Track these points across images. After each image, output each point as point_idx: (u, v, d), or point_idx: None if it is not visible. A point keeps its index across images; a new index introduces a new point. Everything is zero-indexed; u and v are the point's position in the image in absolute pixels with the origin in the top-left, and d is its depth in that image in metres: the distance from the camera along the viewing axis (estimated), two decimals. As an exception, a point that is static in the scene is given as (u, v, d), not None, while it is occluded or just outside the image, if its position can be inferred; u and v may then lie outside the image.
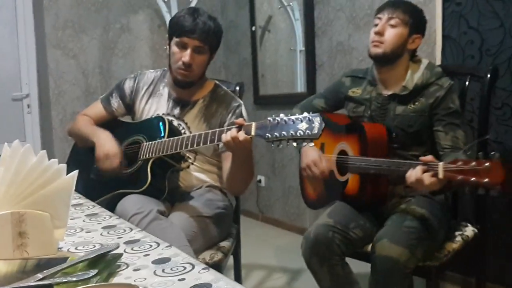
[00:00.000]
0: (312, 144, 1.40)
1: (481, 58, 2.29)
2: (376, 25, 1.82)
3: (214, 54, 1.92)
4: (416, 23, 1.82)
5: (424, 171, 1.46)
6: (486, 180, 1.31)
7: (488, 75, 1.87)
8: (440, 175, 1.42)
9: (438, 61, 2.46)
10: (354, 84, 1.98)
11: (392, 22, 1.78)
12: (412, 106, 1.80)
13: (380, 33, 1.79)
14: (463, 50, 2.36)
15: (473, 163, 1.34)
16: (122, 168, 1.83)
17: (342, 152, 1.87)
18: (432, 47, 2.51)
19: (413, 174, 1.49)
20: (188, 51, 1.81)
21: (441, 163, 1.43)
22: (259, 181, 4.03)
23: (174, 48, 1.85)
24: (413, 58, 1.87)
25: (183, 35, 1.80)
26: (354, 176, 1.81)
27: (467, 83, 1.97)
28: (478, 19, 2.28)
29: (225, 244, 1.86)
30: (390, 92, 1.85)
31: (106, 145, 1.84)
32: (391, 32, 1.79)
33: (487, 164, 1.32)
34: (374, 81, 1.90)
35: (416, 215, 1.68)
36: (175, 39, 1.84)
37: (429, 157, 1.50)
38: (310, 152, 1.89)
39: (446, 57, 2.43)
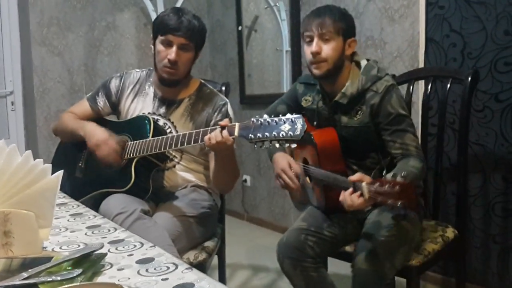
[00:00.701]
0: (295, 145, 1.41)
1: (463, 61, 2.32)
2: (308, 42, 1.73)
3: (199, 53, 1.93)
4: (347, 27, 1.74)
5: (353, 192, 1.44)
6: (400, 202, 1.30)
7: (469, 78, 1.88)
8: (366, 196, 1.39)
9: (421, 64, 2.50)
10: (306, 91, 1.92)
11: (325, 37, 1.69)
12: (356, 116, 1.75)
13: (317, 53, 1.70)
14: (445, 53, 2.40)
15: (387, 185, 1.33)
16: (118, 151, 1.79)
17: (305, 160, 1.87)
18: (416, 49, 2.54)
19: (345, 196, 1.46)
20: (174, 49, 1.82)
21: (363, 184, 1.40)
22: (245, 180, 4.05)
23: (159, 47, 1.85)
24: (354, 60, 1.79)
25: (168, 32, 1.82)
26: (315, 184, 1.81)
27: (448, 85, 2.00)
28: (460, 22, 2.32)
29: (209, 244, 1.86)
30: (333, 101, 1.79)
31: (95, 135, 1.83)
32: (328, 48, 1.70)
33: (396, 187, 1.31)
34: (322, 90, 1.85)
35: (389, 223, 1.65)
36: (160, 38, 1.85)
37: (357, 176, 1.45)
38: (280, 160, 1.86)
39: (429, 60, 2.47)
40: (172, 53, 1.82)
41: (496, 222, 2.26)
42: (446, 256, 1.90)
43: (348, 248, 1.81)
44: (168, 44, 1.83)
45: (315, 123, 1.87)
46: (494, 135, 2.24)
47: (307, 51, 1.74)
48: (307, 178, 1.87)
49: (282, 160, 1.86)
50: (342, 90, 1.75)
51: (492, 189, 2.27)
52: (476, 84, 1.93)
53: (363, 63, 1.78)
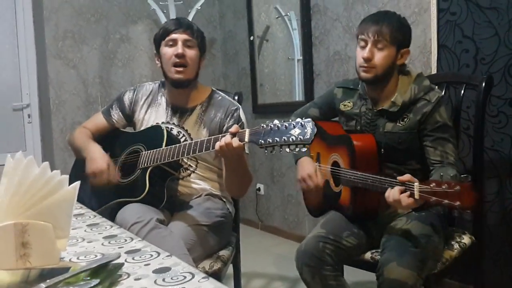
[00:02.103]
0: (305, 149, 1.41)
1: (476, 67, 2.31)
2: (362, 47, 1.76)
3: (204, 56, 1.97)
4: (403, 38, 1.77)
5: (402, 192, 1.47)
6: (457, 203, 1.31)
7: (483, 84, 1.88)
8: (416, 196, 1.42)
9: (434, 70, 2.49)
10: (345, 96, 1.95)
11: (379, 45, 1.73)
12: (401, 123, 1.78)
13: (369, 59, 1.74)
14: (458, 58, 2.38)
15: (445, 186, 1.34)
16: (114, 180, 1.86)
17: (335, 163, 1.88)
18: (428, 56, 2.54)
19: (391, 194, 1.49)
20: (179, 44, 1.88)
21: (416, 184, 1.43)
22: (258, 189, 4.05)
23: (165, 49, 1.91)
24: (403, 70, 1.83)
25: (170, 32, 1.89)
26: (346, 188, 1.81)
27: (462, 91, 1.99)
28: (473, 28, 2.31)
29: (224, 253, 1.87)
30: (379, 108, 1.83)
31: (94, 162, 1.86)
32: (380, 55, 1.73)
33: (457, 187, 1.32)
34: (365, 95, 1.88)
35: (420, 233, 1.66)
36: (163, 42, 1.92)
37: (406, 177, 1.48)
38: (306, 165, 1.89)
39: (442, 66, 2.45)
40: (178, 48, 1.87)
41: (513, 228, 2.24)
42: (464, 263, 1.88)
43: (366, 257, 1.80)
44: (172, 44, 1.89)
45: (359, 127, 1.88)
46: (509, 140, 2.22)
47: (359, 54, 1.78)
48: (332, 181, 1.87)
49: (308, 165, 1.88)
50: (392, 100, 1.79)
51: (509, 194, 2.24)
52: (490, 89, 1.93)
53: (414, 73, 1.82)
